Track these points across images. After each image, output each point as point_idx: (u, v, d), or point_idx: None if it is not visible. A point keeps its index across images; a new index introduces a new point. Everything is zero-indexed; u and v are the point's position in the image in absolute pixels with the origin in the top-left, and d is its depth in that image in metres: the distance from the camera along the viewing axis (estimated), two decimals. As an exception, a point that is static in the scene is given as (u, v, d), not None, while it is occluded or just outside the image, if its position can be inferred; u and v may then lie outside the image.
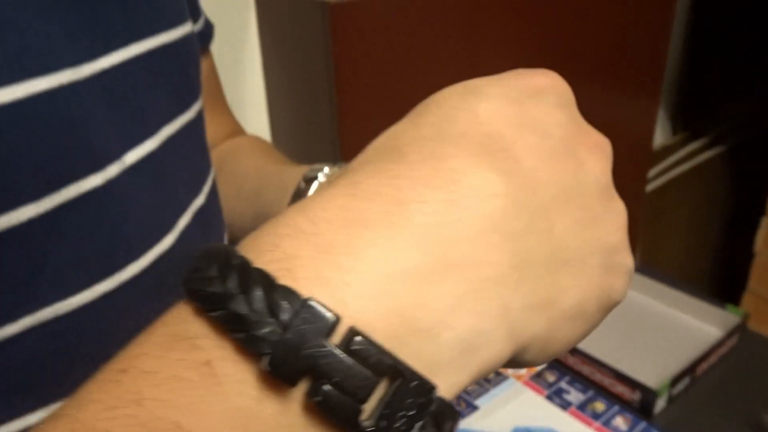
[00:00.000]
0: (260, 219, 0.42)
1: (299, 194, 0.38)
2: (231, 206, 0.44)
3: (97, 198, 0.25)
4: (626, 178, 1.18)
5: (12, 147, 0.22)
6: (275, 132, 0.77)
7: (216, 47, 0.71)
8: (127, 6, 0.29)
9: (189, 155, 0.34)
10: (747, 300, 1.40)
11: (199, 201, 0.34)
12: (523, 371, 0.84)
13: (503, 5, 0.78)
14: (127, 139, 0.28)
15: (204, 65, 0.47)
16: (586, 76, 0.97)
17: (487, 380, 0.82)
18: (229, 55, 0.73)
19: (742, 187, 1.58)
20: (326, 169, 0.39)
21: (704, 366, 0.81)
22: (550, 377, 0.82)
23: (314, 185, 0.38)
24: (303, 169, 0.41)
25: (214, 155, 0.48)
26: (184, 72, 0.34)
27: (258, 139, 0.53)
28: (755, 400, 0.78)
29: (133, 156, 0.28)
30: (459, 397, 0.79)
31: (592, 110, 0.98)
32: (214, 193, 0.37)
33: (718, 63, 1.49)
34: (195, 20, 0.43)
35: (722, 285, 1.63)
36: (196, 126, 0.36)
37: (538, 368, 0.84)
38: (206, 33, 0.47)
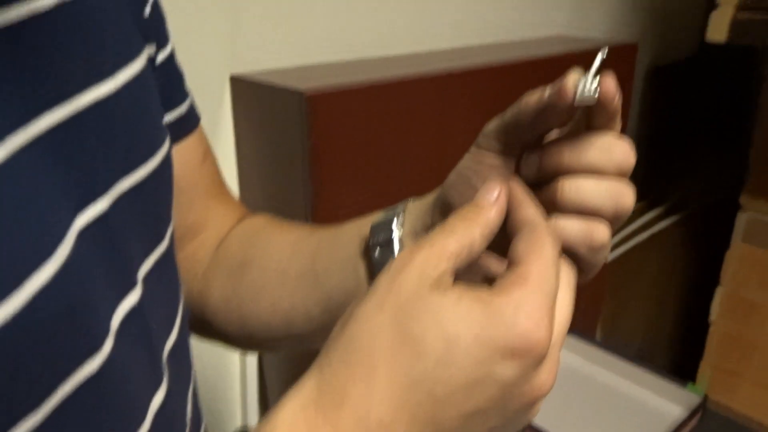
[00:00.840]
0: (333, 304, 0.39)
1: (377, 266, 0.37)
2: (279, 296, 0.41)
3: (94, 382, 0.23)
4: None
5: None
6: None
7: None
8: (108, 154, 0.26)
9: (163, 292, 0.32)
10: (704, 369, 1.43)
11: (172, 337, 0.33)
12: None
13: (468, 96, 0.81)
14: (115, 294, 0.26)
15: (198, 148, 0.44)
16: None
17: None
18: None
19: (698, 256, 1.63)
20: (395, 227, 0.37)
21: (667, 448, 0.82)
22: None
23: (395, 244, 0.37)
24: (351, 233, 0.39)
25: (232, 245, 0.45)
26: (154, 211, 0.32)
27: (269, 217, 0.48)
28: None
29: (121, 311, 0.26)
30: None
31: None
32: (185, 329, 0.35)
33: (674, 135, 1.55)
34: (180, 103, 0.41)
35: (681, 354, 1.66)
36: (171, 255, 0.34)
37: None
38: (193, 114, 0.43)
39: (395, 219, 0.37)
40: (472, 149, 0.35)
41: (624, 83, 1.09)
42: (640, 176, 1.60)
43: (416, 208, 0.38)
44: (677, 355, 1.66)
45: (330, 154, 0.63)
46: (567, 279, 0.28)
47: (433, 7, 0.93)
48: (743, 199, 1.29)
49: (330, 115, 0.62)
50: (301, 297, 0.40)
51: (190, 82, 0.70)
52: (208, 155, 0.46)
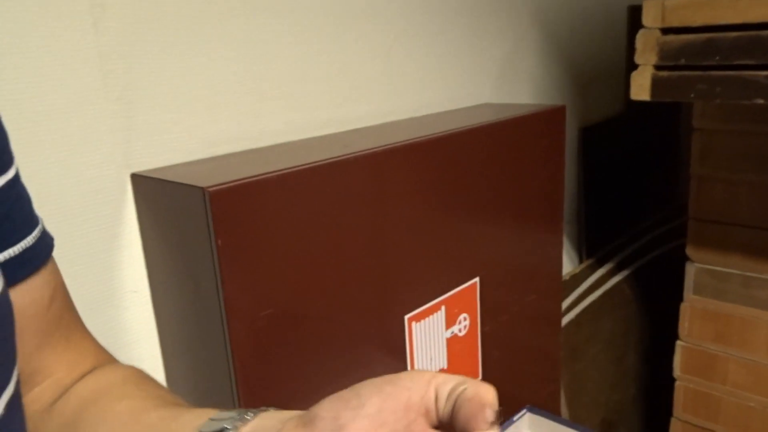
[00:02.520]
0: None
1: None
2: None
3: None
4: (542, 318, 1.16)
5: None
6: (160, 319, 0.69)
7: (91, 237, 0.64)
8: None
9: None
10: (675, 427, 1.38)
11: None
12: None
13: (401, 177, 0.77)
14: None
15: (46, 288, 0.38)
16: (493, 230, 0.97)
17: None
18: (107, 244, 0.65)
19: (652, 311, 1.61)
20: (229, 427, 0.32)
21: None
22: None
23: None
24: (195, 418, 0.33)
25: (71, 403, 0.39)
26: None
27: (132, 372, 0.43)
28: None
29: None
30: None
31: (503, 261, 0.95)
32: None
33: (611, 191, 1.56)
34: (25, 235, 0.36)
35: (649, 413, 1.61)
36: (7, 423, 0.27)
37: None
38: (43, 246, 0.38)
39: (238, 415, 0.33)
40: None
41: (555, 144, 1.09)
42: (583, 235, 1.59)
43: (269, 418, 0.33)
44: (646, 414, 1.61)
45: (241, 253, 0.57)
46: None
47: (353, 85, 0.90)
48: (689, 251, 1.28)
49: (238, 212, 0.56)
50: None
51: (89, 184, 0.64)
52: (57, 292, 0.40)
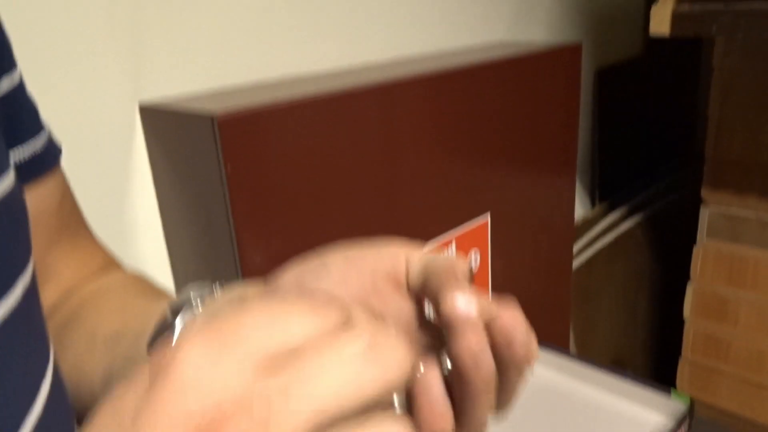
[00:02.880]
0: (116, 371, 0.33)
1: (164, 328, 0.31)
2: (79, 360, 0.35)
3: None
4: (553, 259, 1.16)
5: None
6: (173, 254, 0.69)
7: (103, 173, 0.64)
8: None
9: (20, 350, 0.26)
10: (683, 369, 1.39)
11: (37, 407, 0.26)
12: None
13: (413, 109, 0.76)
14: None
15: (55, 192, 0.39)
16: (505, 168, 0.96)
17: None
18: (119, 179, 0.66)
19: (666, 255, 1.61)
20: (195, 297, 0.31)
21: (656, 465, 0.76)
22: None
23: (184, 316, 0.31)
24: (161, 308, 0.33)
25: (73, 301, 0.40)
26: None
27: (134, 276, 0.44)
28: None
29: None
30: None
31: (514, 200, 0.95)
32: (57, 391, 0.29)
33: (627, 135, 1.54)
34: (31, 138, 0.36)
35: (658, 356, 1.62)
36: (26, 314, 0.28)
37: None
38: (51, 153, 0.39)
39: (181, 314, 0.31)
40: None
41: (570, 85, 1.06)
42: (596, 179, 1.58)
43: (235, 290, 0.32)
44: (654, 357, 1.63)
45: (251, 183, 0.57)
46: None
47: (366, 19, 0.88)
48: (704, 194, 1.26)
49: (247, 140, 0.56)
50: (95, 362, 0.35)
51: (98, 115, 0.64)
52: (66, 197, 0.41)
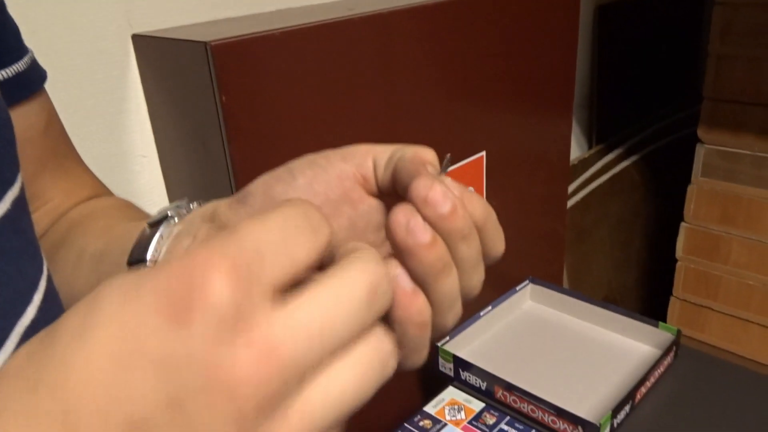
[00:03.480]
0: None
1: (142, 241, 0.31)
2: (69, 278, 0.36)
3: None
4: (549, 198, 1.17)
5: None
6: (169, 183, 0.70)
7: (98, 101, 0.64)
8: None
9: (10, 256, 0.27)
10: (673, 306, 1.42)
11: (29, 315, 0.27)
12: (462, 415, 0.79)
13: (410, 40, 0.75)
14: None
15: (40, 115, 0.39)
16: (501, 105, 0.95)
17: (424, 431, 0.76)
18: (113, 108, 0.65)
19: (660, 196, 1.62)
20: (173, 211, 0.32)
21: (643, 390, 0.79)
22: (490, 419, 0.78)
23: (162, 228, 0.31)
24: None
25: (62, 224, 0.41)
26: None
27: (122, 201, 0.44)
28: (694, 420, 0.76)
29: None
30: (396, 454, 0.73)
31: (510, 137, 0.95)
32: (51, 301, 0.30)
33: (624, 79, 1.52)
34: (15, 60, 0.36)
35: (649, 294, 1.65)
36: (14, 222, 0.28)
37: (477, 410, 0.80)
38: (35, 74, 0.38)
39: (158, 233, 0.31)
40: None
41: (569, 20, 1.04)
42: (594, 120, 1.57)
43: (209, 204, 0.32)
44: (646, 295, 1.66)
45: (246, 112, 0.57)
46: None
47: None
48: (701, 132, 1.26)
49: (242, 68, 0.55)
50: (83, 279, 0.36)
51: (93, 44, 0.63)
52: (52, 122, 0.41)
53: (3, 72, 0.35)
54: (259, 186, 0.29)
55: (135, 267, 0.31)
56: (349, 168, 0.28)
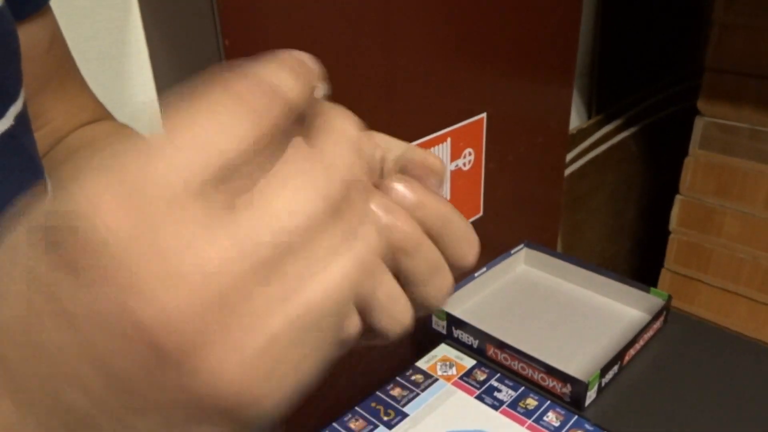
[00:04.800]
0: None
1: None
2: None
3: None
4: (546, 165, 1.17)
5: None
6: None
7: (99, 45, 0.63)
8: None
9: (11, 171, 0.27)
10: (664, 277, 1.44)
11: None
12: (453, 371, 0.81)
13: (415, 4, 0.74)
14: None
15: (45, 32, 0.39)
16: (503, 69, 0.95)
17: (416, 385, 0.78)
18: (115, 52, 0.65)
19: (656, 168, 1.62)
20: None
21: (632, 352, 0.81)
22: (480, 375, 0.79)
23: None
24: None
25: (61, 148, 0.40)
26: None
27: (125, 127, 0.44)
28: (681, 383, 0.78)
29: None
30: (387, 406, 0.75)
31: (510, 102, 0.95)
32: None
33: (627, 49, 1.51)
34: None
35: (641, 264, 1.67)
36: (16, 138, 0.28)
37: (468, 366, 0.81)
38: None
39: None
40: None
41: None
42: (595, 89, 1.56)
43: None
44: (638, 264, 1.68)
45: (249, 57, 0.56)
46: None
47: None
48: (700, 104, 1.26)
49: (245, 13, 0.55)
50: None
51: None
52: (56, 41, 0.40)
53: None
54: None
55: None
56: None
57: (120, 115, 0.67)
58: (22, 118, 0.29)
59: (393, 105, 0.78)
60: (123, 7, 0.64)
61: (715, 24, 1.20)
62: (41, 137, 0.41)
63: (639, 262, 1.67)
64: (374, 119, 0.81)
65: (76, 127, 0.42)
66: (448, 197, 0.93)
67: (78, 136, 0.41)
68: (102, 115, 0.45)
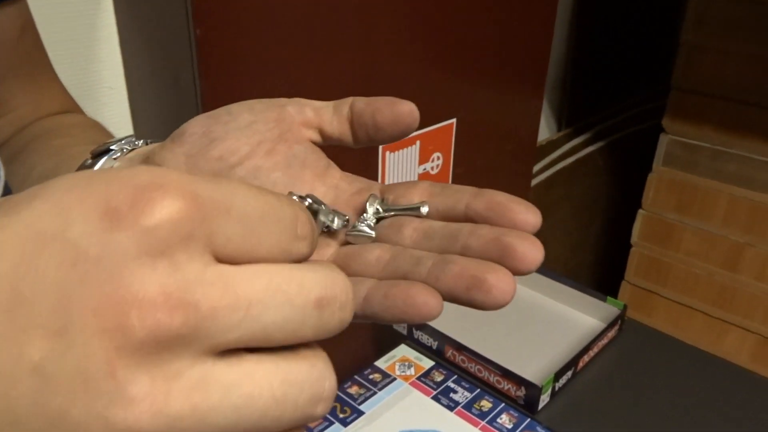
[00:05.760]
0: None
1: (82, 170, 0.30)
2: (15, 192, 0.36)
3: None
4: (514, 173, 1.19)
5: None
6: (136, 116, 0.69)
7: (69, 28, 0.63)
8: None
9: None
10: (624, 290, 1.47)
11: None
12: (411, 371, 0.81)
13: (391, 6, 0.75)
14: None
15: (16, 21, 0.39)
16: (475, 76, 0.96)
17: (373, 384, 0.78)
18: (84, 36, 0.64)
19: (621, 182, 1.66)
20: (116, 147, 0.31)
21: (586, 359, 0.82)
22: (438, 376, 0.80)
23: (102, 161, 0.30)
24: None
25: (23, 135, 0.40)
26: None
27: (89, 121, 0.44)
28: (633, 390, 0.80)
29: None
30: (344, 403, 0.75)
31: (481, 109, 0.96)
32: None
33: (599, 64, 1.54)
34: None
35: (602, 276, 1.70)
36: None
37: (426, 367, 0.82)
38: None
39: (97, 166, 0.30)
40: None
41: (548, 5, 1.05)
42: (565, 103, 1.58)
43: (151, 144, 0.31)
44: (600, 275, 1.71)
45: (221, 48, 0.57)
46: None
47: None
48: (665, 122, 1.30)
49: (218, 2, 0.55)
50: None
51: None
52: (28, 31, 0.40)
53: None
54: (196, 126, 0.28)
55: None
56: (288, 112, 0.29)
57: (86, 99, 0.67)
58: None
59: (364, 105, 0.78)
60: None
61: (683, 44, 1.23)
62: (5, 123, 0.41)
63: (601, 273, 1.71)
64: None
65: (43, 117, 0.41)
66: (415, 199, 0.94)
67: (41, 125, 0.41)
68: (71, 107, 0.44)
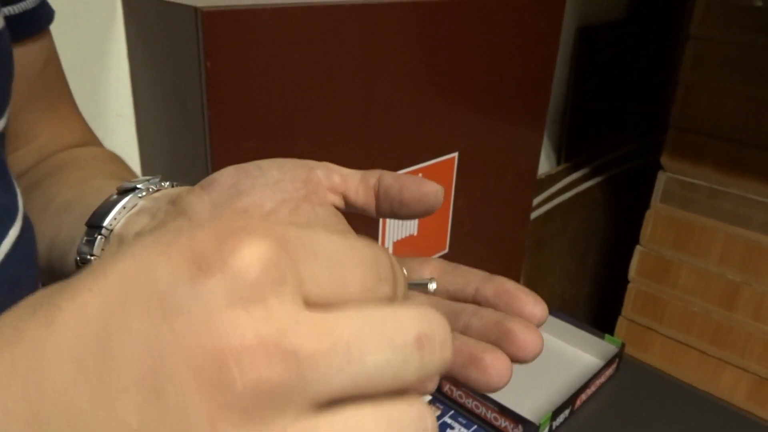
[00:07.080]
0: (60, 239, 0.33)
1: (105, 206, 0.31)
2: (34, 222, 0.35)
3: None
4: (513, 206, 1.19)
5: None
6: (143, 144, 0.70)
7: (79, 53, 0.63)
8: None
9: None
10: (621, 324, 1.47)
11: (3, 248, 0.27)
12: (408, 405, 0.81)
13: (395, 35, 0.76)
14: None
15: (40, 54, 0.39)
16: (477, 112, 0.97)
17: (369, 417, 0.78)
18: (94, 62, 0.65)
19: (620, 217, 1.67)
20: (143, 186, 0.32)
21: (583, 397, 0.82)
22: (435, 411, 0.80)
23: (128, 198, 0.31)
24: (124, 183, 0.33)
25: (43, 166, 0.40)
26: None
27: (108, 154, 0.44)
28: (630, 429, 0.79)
29: None
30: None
31: (482, 143, 0.97)
32: (25, 245, 0.29)
33: (599, 101, 1.56)
34: None
35: (599, 310, 1.70)
36: None
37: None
38: (42, 13, 0.38)
39: (121, 203, 0.31)
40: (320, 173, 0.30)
41: (550, 36, 1.07)
42: (565, 137, 1.60)
43: (178, 187, 0.32)
44: (596, 310, 1.71)
45: (229, 82, 0.57)
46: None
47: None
48: (663, 159, 1.31)
49: (229, 37, 0.56)
50: (44, 228, 0.35)
51: (79, 1, 0.62)
52: (51, 63, 0.41)
53: (10, 8, 0.35)
54: (227, 176, 0.28)
55: (92, 230, 0.31)
56: (316, 175, 0.29)
57: (94, 126, 0.67)
58: (2, 137, 0.29)
59: (368, 136, 0.79)
60: (107, 18, 0.64)
61: (681, 84, 1.25)
62: (25, 154, 0.41)
63: (597, 307, 1.71)
64: (350, 147, 0.83)
65: (63, 148, 0.42)
66: (416, 232, 0.95)
67: (62, 157, 0.41)
68: (89, 138, 0.45)
